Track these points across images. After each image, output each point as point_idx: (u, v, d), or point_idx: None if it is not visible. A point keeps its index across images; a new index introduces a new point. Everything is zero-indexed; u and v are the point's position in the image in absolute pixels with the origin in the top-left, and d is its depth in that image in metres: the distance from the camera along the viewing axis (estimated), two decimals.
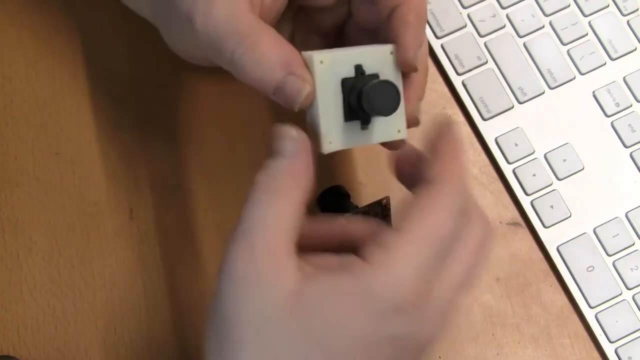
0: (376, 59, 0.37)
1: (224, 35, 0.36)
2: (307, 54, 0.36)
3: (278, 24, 0.40)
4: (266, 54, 0.35)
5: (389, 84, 0.35)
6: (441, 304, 0.34)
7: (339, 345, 0.32)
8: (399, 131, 0.38)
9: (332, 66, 0.36)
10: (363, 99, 0.35)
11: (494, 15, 0.50)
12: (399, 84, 0.37)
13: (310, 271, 0.34)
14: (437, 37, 0.50)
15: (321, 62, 0.36)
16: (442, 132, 0.37)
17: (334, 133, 0.37)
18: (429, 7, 0.50)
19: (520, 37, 0.50)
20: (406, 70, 0.37)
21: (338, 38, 0.42)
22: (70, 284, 0.46)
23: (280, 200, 0.34)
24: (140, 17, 0.43)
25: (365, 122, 0.37)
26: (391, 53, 0.37)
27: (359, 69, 0.36)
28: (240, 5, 0.36)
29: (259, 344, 0.32)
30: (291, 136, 0.35)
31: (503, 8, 0.50)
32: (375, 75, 0.37)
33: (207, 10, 0.36)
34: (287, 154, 0.34)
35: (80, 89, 0.49)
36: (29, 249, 0.46)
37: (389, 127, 0.38)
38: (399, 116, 0.37)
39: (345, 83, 0.36)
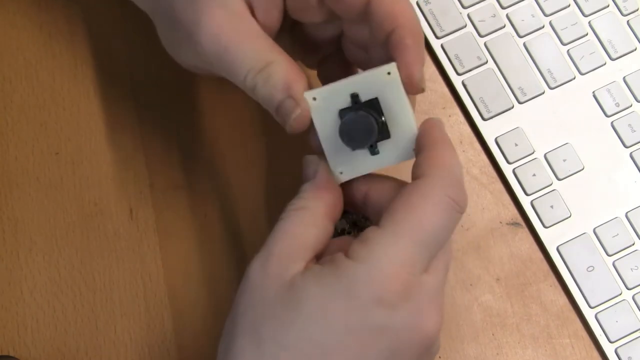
0: (373, 83, 0.36)
1: (237, 57, 0.37)
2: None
3: (277, 38, 0.40)
4: (274, 75, 0.36)
5: (360, 117, 0.36)
6: (433, 293, 0.35)
7: (323, 334, 0.33)
8: (414, 149, 0.38)
9: (326, 101, 0.37)
10: (340, 135, 0.36)
11: (494, 15, 0.50)
12: (403, 102, 0.37)
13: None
14: (437, 37, 0.50)
15: (314, 98, 0.37)
16: (426, 128, 0.37)
17: (342, 163, 0.38)
18: (429, 7, 0.50)
19: (520, 37, 0.50)
20: (414, 92, 0.37)
21: (336, 50, 0.42)
22: (70, 284, 0.46)
23: (302, 213, 0.36)
24: (140, 17, 0.43)
25: (372, 149, 0.37)
26: (389, 74, 0.36)
27: (354, 97, 0.37)
28: (250, 25, 0.37)
29: (253, 331, 0.34)
30: (314, 162, 0.38)
31: (503, 8, 0.50)
32: (374, 100, 0.37)
33: (215, 32, 0.36)
34: (311, 176, 0.38)
35: (80, 89, 0.49)
36: (29, 249, 0.46)
37: (401, 148, 0.38)
38: (411, 135, 0.37)
39: (342, 114, 0.37)
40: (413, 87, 0.37)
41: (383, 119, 0.37)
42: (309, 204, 0.36)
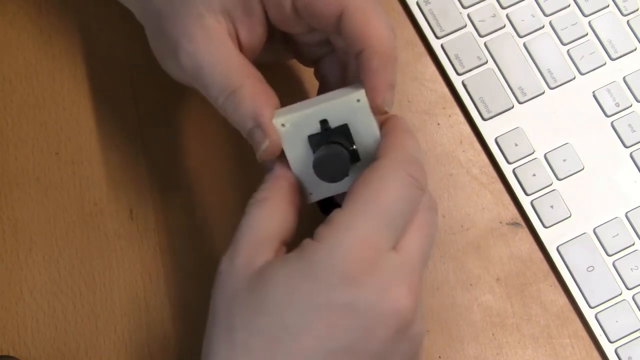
0: (342, 110, 0.37)
1: (209, 79, 0.38)
2: (276, 112, 0.37)
3: (268, 46, 0.41)
4: (242, 102, 0.37)
5: (334, 154, 0.36)
6: (401, 270, 0.35)
7: (290, 316, 0.34)
8: None
9: (295, 127, 0.37)
10: (314, 169, 0.36)
11: (494, 15, 0.50)
12: (371, 127, 0.37)
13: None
14: (437, 37, 0.50)
15: (283, 125, 0.37)
16: (387, 120, 0.38)
17: (312, 185, 0.38)
18: (429, 7, 0.50)
19: (520, 37, 0.50)
20: (377, 115, 0.38)
21: (330, 50, 0.43)
22: (70, 284, 0.46)
23: (264, 204, 0.37)
24: None
25: None
26: (358, 101, 0.37)
27: (324, 124, 0.37)
28: (224, 48, 0.38)
29: (226, 320, 0.35)
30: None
31: (503, 8, 0.50)
32: (344, 127, 0.37)
33: (192, 52, 0.38)
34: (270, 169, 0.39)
35: (80, 89, 0.49)
36: (29, 249, 0.46)
37: None
38: None
39: (312, 140, 0.37)
40: (375, 110, 0.37)
41: (354, 147, 0.37)
42: (269, 195, 0.37)
